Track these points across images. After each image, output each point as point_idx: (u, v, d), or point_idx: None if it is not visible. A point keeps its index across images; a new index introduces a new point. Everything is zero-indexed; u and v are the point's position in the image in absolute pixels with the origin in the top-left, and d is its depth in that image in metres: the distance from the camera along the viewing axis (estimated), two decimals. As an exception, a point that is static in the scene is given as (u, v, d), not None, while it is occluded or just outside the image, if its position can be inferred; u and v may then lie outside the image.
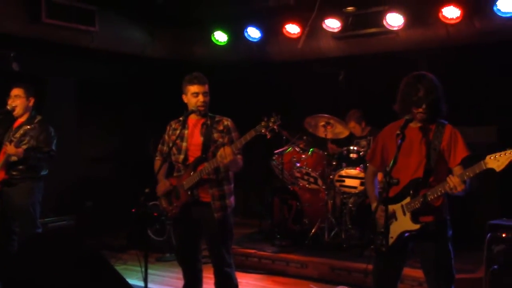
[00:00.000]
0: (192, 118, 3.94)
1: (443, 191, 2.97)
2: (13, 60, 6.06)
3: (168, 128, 4.06)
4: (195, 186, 3.81)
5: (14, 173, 4.71)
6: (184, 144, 3.91)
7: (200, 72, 3.90)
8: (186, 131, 3.92)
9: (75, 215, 6.27)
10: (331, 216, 5.84)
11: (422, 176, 3.09)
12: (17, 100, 4.78)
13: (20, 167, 4.70)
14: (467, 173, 2.88)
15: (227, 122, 3.93)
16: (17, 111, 4.81)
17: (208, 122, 3.90)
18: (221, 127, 3.89)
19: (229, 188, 3.92)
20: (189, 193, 3.82)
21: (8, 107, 4.77)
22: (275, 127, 3.51)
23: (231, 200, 3.93)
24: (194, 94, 3.83)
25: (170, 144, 3.94)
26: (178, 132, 3.91)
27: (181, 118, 3.97)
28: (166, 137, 4.06)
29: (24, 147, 4.63)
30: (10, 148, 4.55)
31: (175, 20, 6.98)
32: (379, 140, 3.37)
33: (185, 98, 3.92)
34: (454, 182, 2.88)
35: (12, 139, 4.67)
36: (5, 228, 4.80)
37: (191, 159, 3.88)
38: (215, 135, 3.87)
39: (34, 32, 5.75)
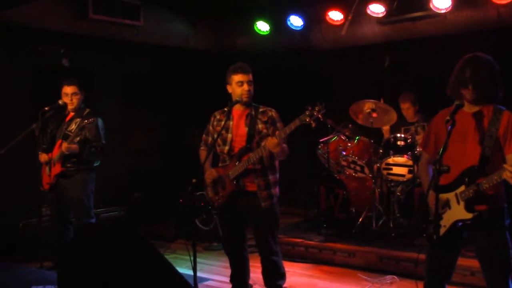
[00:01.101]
0: (237, 109, 3.95)
1: (499, 180, 2.85)
2: (63, 56, 6.27)
3: (212, 118, 4.09)
4: (240, 175, 3.84)
5: (68, 165, 4.87)
6: (229, 135, 3.93)
7: (243, 62, 3.92)
8: (231, 123, 3.94)
9: (124, 206, 6.46)
10: (379, 204, 5.75)
11: (477, 164, 2.99)
12: (75, 97, 4.94)
13: (74, 159, 4.87)
14: None
15: (271, 112, 3.93)
16: (74, 107, 4.97)
17: (253, 112, 3.91)
18: (265, 118, 3.89)
19: (275, 177, 3.93)
20: (234, 182, 3.85)
21: (60, 102, 4.92)
22: (319, 115, 3.48)
23: (276, 189, 3.94)
24: (238, 83, 3.85)
25: (215, 135, 3.98)
26: (223, 123, 3.93)
27: (225, 109, 3.99)
28: (211, 127, 4.09)
29: (77, 139, 4.77)
30: (64, 146, 4.71)
31: (217, 11, 7.00)
32: (432, 126, 3.28)
33: (229, 88, 3.93)
34: None
35: (66, 133, 4.84)
36: (60, 218, 4.96)
37: (236, 150, 3.90)
38: (260, 125, 3.87)
39: (81, 28, 5.91)
